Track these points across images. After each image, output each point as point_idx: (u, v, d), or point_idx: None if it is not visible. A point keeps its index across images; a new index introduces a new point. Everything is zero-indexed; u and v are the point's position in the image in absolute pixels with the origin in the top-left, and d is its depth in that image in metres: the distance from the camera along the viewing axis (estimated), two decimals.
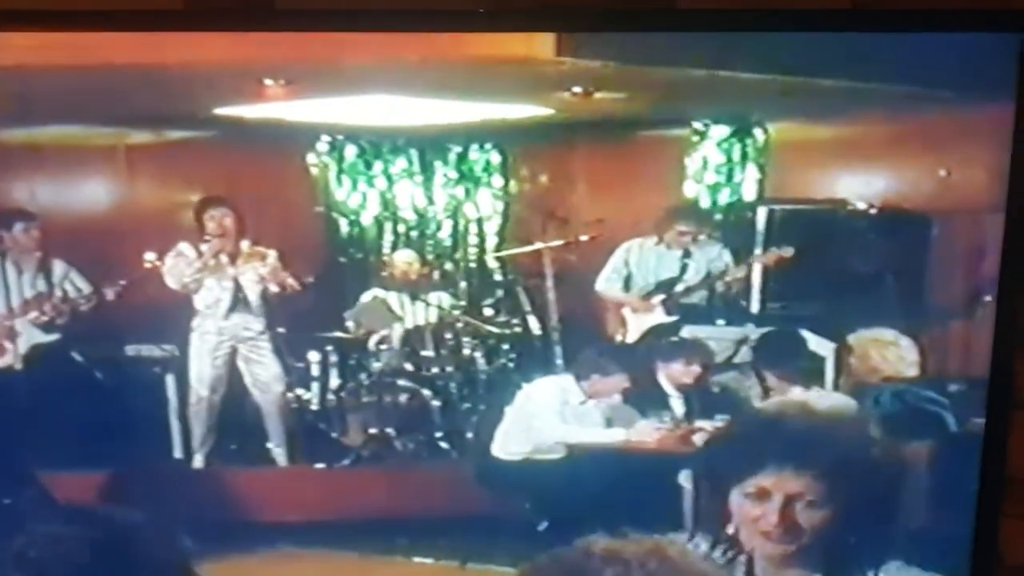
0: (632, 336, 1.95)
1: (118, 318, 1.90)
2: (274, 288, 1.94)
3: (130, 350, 1.93)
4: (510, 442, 1.97)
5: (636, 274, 1.93)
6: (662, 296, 1.95)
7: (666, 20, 1.54)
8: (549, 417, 1.94)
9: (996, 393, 1.54)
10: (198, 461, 2.00)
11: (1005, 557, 1.57)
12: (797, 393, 1.88)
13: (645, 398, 1.93)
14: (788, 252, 1.83)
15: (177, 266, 1.91)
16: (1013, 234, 1.52)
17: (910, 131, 1.72)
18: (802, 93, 1.72)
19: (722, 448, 1.77)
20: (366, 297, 2.00)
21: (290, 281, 1.94)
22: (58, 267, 1.90)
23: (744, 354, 1.91)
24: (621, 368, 1.89)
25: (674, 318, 1.94)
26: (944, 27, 1.50)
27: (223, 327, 1.96)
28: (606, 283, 1.94)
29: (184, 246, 1.92)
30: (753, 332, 1.90)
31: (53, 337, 1.91)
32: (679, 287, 1.94)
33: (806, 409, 1.75)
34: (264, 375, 2.00)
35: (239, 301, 1.96)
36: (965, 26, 1.48)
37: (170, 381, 1.96)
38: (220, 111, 1.81)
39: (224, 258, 1.94)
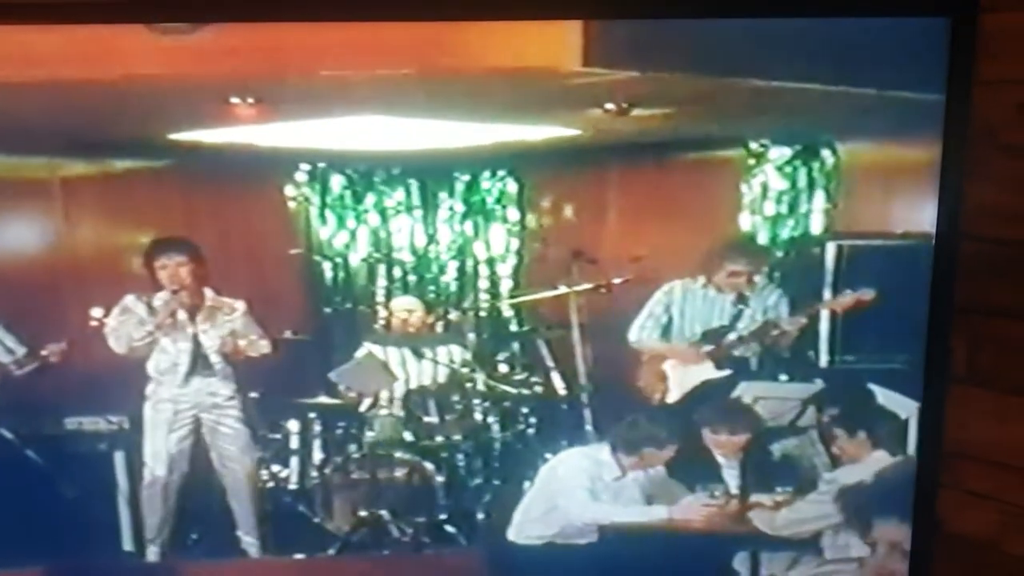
0: (675, 395, 1.82)
1: (56, 385, 1.77)
2: (241, 349, 1.82)
3: (70, 423, 1.80)
4: (530, 525, 1.82)
5: (678, 321, 1.81)
6: (710, 347, 1.81)
7: None
8: (578, 494, 1.80)
9: (933, 368, 1.61)
10: (152, 554, 1.84)
11: (943, 526, 1.66)
12: (873, 460, 1.76)
13: (692, 469, 1.80)
14: (868, 295, 1.69)
15: (123, 327, 1.77)
16: (945, 213, 1.56)
17: None
18: (875, 107, 1.61)
19: None
20: (358, 354, 1.85)
21: (261, 344, 1.81)
22: None
23: (810, 415, 1.78)
24: (671, 437, 1.78)
25: (726, 372, 1.81)
26: None
27: (182, 394, 1.82)
28: (641, 332, 1.81)
29: (131, 301, 1.78)
30: (821, 390, 1.78)
31: None
32: (731, 336, 1.80)
33: None
34: (232, 449, 1.85)
35: (199, 363, 1.82)
36: None
37: (119, 459, 1.83)
38: (177, 135, 1.70)
39: (182, 313, 1.80)
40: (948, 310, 1.58)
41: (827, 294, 1.74)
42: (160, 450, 1.81)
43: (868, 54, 1.54)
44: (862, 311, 1.70)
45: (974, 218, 1.53)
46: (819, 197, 1.74)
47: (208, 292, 1.79)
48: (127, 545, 1.82)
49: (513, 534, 1.81)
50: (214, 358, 1.82)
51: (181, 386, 1.81)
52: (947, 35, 1.51)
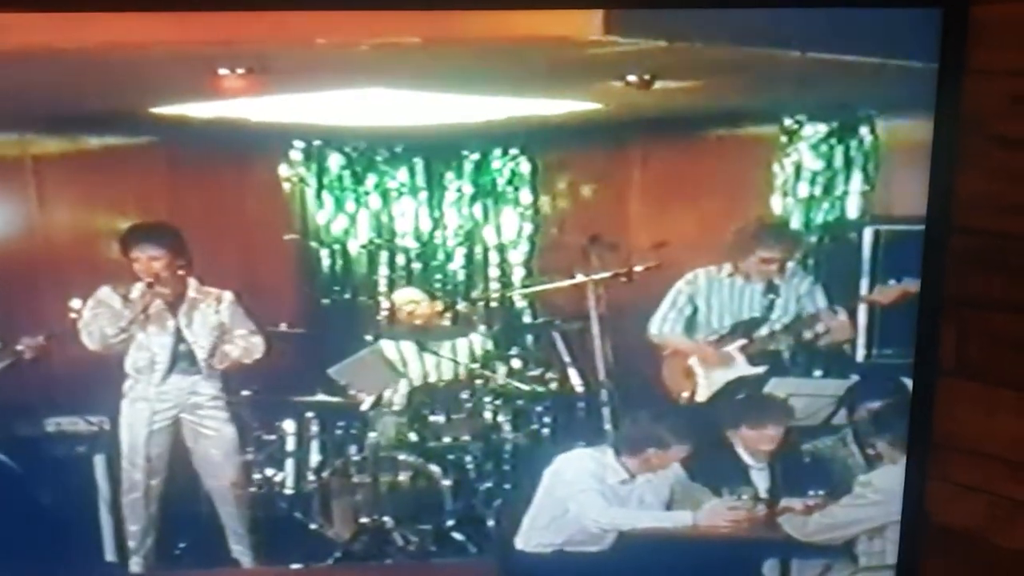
0: (704, 393, 1.76)
1: (31, 383, 1.73)
2: (234, 359, 1.79)
3: (49, 424, 1.77)
4: (537, 532, 1.77)
5: (704, 312, 1.74)
6: (742, 342, 1.74)
7: None
8: (591, 497, 1.75)
9: (922, 361, 1.63)
10: (136, 565, 1.81)
11: (932, 518, 1.68)
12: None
13: (717, 471, 1.74)
14: (913, 286, 1.60)
15: (97, 321, 1.71)
16: (935, 204, 1.57)
17: None
18: (917, 81, 1.55)
19: None
20: (365, 348, 1.81)
21: (254, 341, 1.75)
22: None
23: (844, 414, 1.74)
24: (680, 436, 1.72)
25: (760, 369, 1.74)
26: None
27: (161, 393, 1.76)
28: (663, 324, 1.75)
29: (106, 293, 1.72)
30: (857, 386, 1.74)
31: None
32: (763, 330, 1.73)
33: None
34: (218, 452, 1.80)
35: (182, 359, 1.76)
36: None
37: (99, 462, 1.79)
38: (159, 109, 1.67)
39: (159, 305, 1.74)
40: (937, 302, 1.59)
41: (864, 283, 1.68)
42: (138, 453, 1.75)
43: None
44: (905, 302, 1.63)
45: (964, 209, 1.54)
46: (856, 178, 1.68)
47: (191, 282, 1.73)
48: (109, 555, 1.78)
49: (521, 542, 1.77)
50: (200, 354, 1.75)
51: (159, 384, 1.76)
52: (939, 25, 1.50)
